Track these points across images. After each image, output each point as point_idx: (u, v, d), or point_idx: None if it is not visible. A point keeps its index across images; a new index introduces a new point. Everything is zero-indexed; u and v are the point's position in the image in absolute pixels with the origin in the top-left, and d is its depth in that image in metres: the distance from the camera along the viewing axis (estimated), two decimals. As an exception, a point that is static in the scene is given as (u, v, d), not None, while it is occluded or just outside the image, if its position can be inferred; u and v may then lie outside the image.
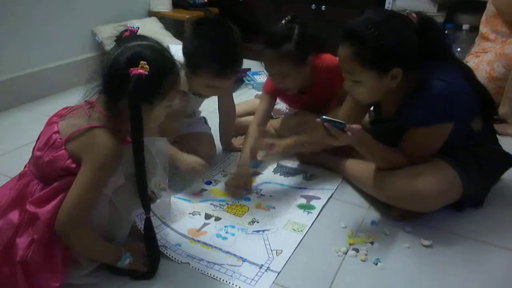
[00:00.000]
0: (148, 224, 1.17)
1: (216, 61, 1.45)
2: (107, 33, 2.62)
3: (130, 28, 1.15)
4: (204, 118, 1.93)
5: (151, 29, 2.76)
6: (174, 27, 3.12)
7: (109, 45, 2.53)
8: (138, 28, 1.17)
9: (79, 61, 2.63)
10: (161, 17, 3.04)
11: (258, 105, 1.86)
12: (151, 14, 3.05)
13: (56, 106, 1.27)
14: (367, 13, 1.32)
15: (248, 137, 1.75)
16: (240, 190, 1.62)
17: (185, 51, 1.51)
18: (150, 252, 1.21)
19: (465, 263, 1.32)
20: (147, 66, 1.04)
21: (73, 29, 2.57)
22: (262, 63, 1.69)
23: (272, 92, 1.82)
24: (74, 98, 1.22)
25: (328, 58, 1.75)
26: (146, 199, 1.14)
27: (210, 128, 1.88)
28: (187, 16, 3.02)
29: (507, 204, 1.60)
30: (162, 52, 1.13)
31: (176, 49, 1.29)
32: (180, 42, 1.65)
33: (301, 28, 1.63)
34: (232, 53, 1.49)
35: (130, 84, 1.03)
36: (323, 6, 3.00)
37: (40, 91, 2.43)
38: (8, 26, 2.22)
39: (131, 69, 1.04)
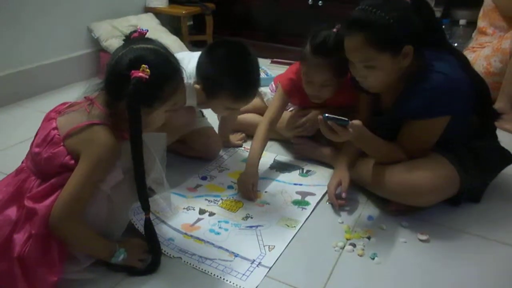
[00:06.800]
0: (149, 225, 1.17)
1: (237, 85, 1.43)
2: (103, 29, 2.62)
3: (139, 30, 1.17)
4: (200, 111, 1.91)
5: (147, 25, 2.74)
6: (170, 23, 3.11)
7: (105, 41, 2.57)
8: (147, 31, 1.18)
9: (75, 57, 2.62)
10: (157, 13, 3.02)
11: (272, 100, 1.80)
12: (147, 10, 3.04)
13: (52, 103, 1.26)
14: (363, 2, 1.32)
15: (258, 135, 1.68)
16: (252, 192, 1.56)
17: (201, 74, 1.47)
18: (151, 252, 1.21)
19: (462, 257, 1.32)
20: (148, 70, 1.05)
21: (69, 25, 2.56)
22: (304, 68, 1.62)
23: (290, 92, 1.74)
24: (70, 94, 1.22)
25: None
26: (146, 201, 1.14)
27: (207, 118, 1.87)
28: (183, 12, 3.01)
29: (504, 199, 1.60)
30: (166, 57, 1.13)
31: (181, 57, 1.25)
32: (181, 45, 1.62)
33: None
34: (252, 76, 1.46)
35: (129, 86, 1.04)
36: (320, 2, 2.99)
37: (36, 87, 2.42)
38: (4, 22, 2.21)
39: (132, 71, 1.05)
